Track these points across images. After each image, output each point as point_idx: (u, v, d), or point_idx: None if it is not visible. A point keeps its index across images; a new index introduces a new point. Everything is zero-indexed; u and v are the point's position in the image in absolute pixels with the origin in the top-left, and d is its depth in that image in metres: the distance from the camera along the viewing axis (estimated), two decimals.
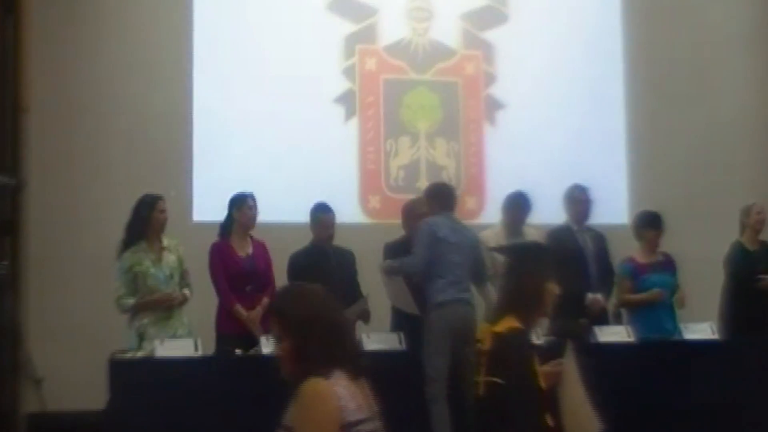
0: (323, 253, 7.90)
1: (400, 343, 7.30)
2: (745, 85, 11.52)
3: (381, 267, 7.63)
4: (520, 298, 4.43)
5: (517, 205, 8.26)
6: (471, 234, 7.61)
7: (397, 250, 7.81)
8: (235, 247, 7.68)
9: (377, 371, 6.59)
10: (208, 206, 8.20)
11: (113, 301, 7.29)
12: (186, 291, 7.47)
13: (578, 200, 8.38)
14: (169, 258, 7.45)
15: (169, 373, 6.60)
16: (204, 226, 8.04)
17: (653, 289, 8.09)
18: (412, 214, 8.01)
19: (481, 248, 7.51)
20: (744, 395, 7.38)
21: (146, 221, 7.40)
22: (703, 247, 8.74)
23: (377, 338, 7.25)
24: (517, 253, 5.06)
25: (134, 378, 6.56)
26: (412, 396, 6.82)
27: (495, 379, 4.25)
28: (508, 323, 4.36)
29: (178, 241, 7.58)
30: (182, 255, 7.55)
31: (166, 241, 7.49)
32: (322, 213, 8.01)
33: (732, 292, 8.57)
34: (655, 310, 8.05)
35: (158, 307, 7.31)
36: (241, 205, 7.71)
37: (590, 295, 8.06)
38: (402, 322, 7.72)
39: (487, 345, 4.41)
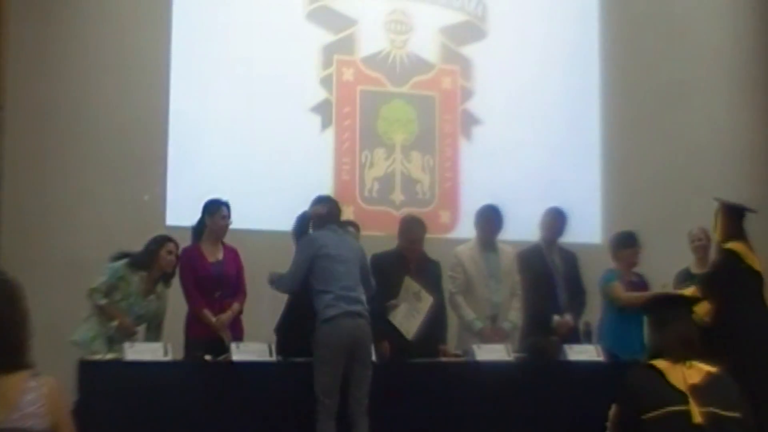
0: None
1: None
2: (720, 106, 11.61)
3: (268, 279, 7.34)
4: None
5: (488, 219, 8.22)
6: (356, 244, 7.38)
7: (384, 261, 7.74)
8: (206, 252, 7.65)
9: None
10: (182, 211, 8.16)
11: (87, 290, 7.32)
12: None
13: (551, 223, 8.42)
14: (153, 305, 7.53)
15: (138, 376, 6.56)
16: (177, 230, 7.99)
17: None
18: (404, 233, 7.93)
19: (365, 257, 7.31)
20: None
21: (153, 255, 7.50)
22: (675, 267, 8.72)
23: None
24: None
25: (103, 380, 6.53)
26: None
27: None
28: None
29: (167, 293, 7.64)
30: (165, 306, 7.61)
31: (159, 288, 7.57)
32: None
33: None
34: (628, 328, 8.05)
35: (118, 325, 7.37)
36: (215, 212, 7.68)
37: (557, 318, 8.09)
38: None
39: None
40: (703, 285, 7.81)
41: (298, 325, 7.25)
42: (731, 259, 7.70)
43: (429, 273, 7.93)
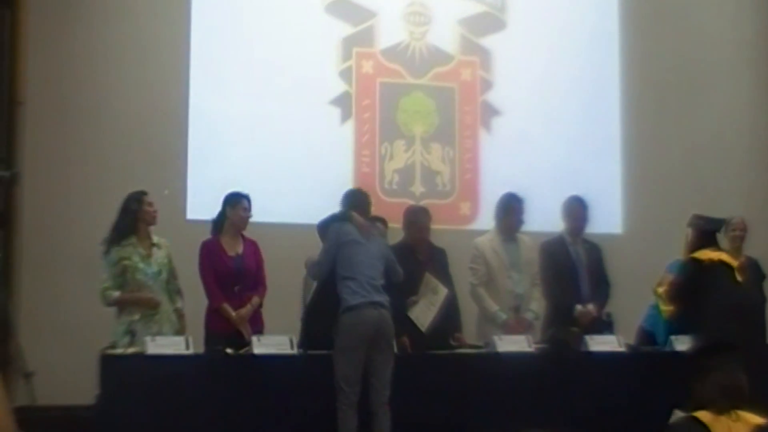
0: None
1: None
2: (740, 96, 11.55)
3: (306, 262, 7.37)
4: None
5: (509, 207, 8.20)
6: (381, 240, 7.41)
7: (397, 252, 7.70)
8: (225, 245, 7.62)
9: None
10: (202, 205, 8.19)
11: (98, 293, 7.28)
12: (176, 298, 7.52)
13: (575, 212, 8.37)
14: (159, 254, 7.45)
15: (160, 370, 6.58)
16: (197, 224, 8.02)
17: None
18: (412, 224, 7.97)
19: (391, 254, 7.33)
20: None
21: (135, 216, 7.41)
22: None
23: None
24: None
25: (125, 374, 6.54)
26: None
27: None
28: None
29: (166, 240, 7.57)
30: (171, 253, 7.54)
31: (156, 239, 7.49)
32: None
33: None
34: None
35: (141, 304, 7.32)
36: (236, 204, 7.67)
37: (579, 307, 8.06)
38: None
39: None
40: (670, 293, 7.87)
41: (324, 315, 7.21)
42: (694, 267, 7.62)
43: (438, 262, 7.96)
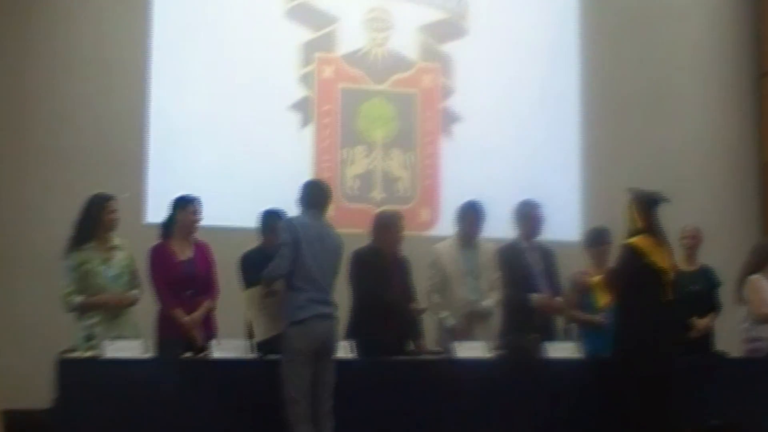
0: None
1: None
2: (699, 107, 11.70)
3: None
4: None
5: (470, 215, 8.22)
6: (337, 239, 7.06)
7: (366, 257, 7.75)
8: (175, 250, 7.53)
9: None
10: (161, 209, 8.10)
11: (60, 299, 7.18)
12: (135, 291, 7.39)
13: (529, 216, 8.39)
14: (119, 257, 7.37)
15: (118, 373, 6.52)
16: (155, 228, 7.95)
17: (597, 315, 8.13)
18: (388, 227, 7.92)
19: (342, 255, 7.11)
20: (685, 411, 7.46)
21: (96, 221, 7.32)
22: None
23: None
24: None
25: (82, 377, 6.47)
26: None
27: None
28: None
29: (128, 241, 7.50)
30: (132, 254, 7.47)
31: (116, 241, 7.41)
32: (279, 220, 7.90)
33: None
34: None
35: (106, 307, 7.24)
36: (185, 207, 7.58)
37: (535, 296, 8.09)
38: None
39: None
40: (606, 281, 7.78)
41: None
42: (630, 255, 7.56)
43: (402, 270, 7.97)
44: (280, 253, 6.77)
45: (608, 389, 7.23)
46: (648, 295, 7.36)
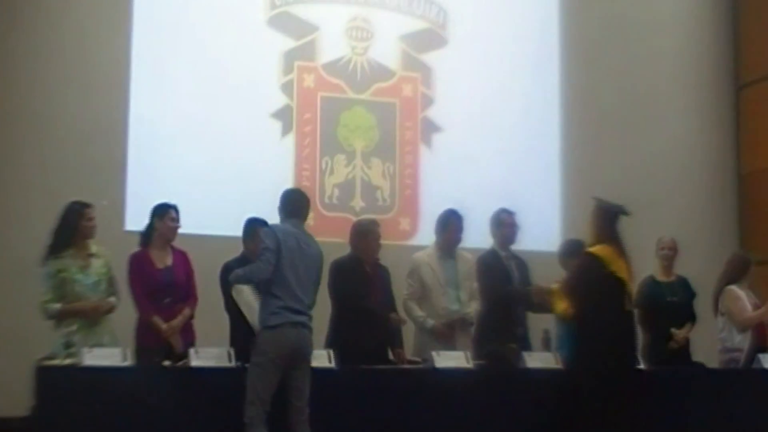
0: None
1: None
2: (679, 116, 11.79)
3: (231, 278, 7.09)
4: None
5: (449, 223, 8.24)
6: (317, 248, 7.01)
7: (345, 267, 7.76)
8: (154, 258, 7.53)
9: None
10: (141, 216, 8.10)
11: (38, 306, 7.14)
12: (113, 299, 7.37)
13: (504, 224, 8.42)
14: (97, 264, 7.34)
15: (96, 381, 6.49)
16: (135, 235, 7.94)
17: None
18: (365, 234, 7.94)
19: (322, 266, 7.06)
20: (663, 422, 7.52)
21: (74, 229, 7.29)
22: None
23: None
24: None
25: (60, 385, 6.44)
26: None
27: None
28: None
29: (106, 249, 7.47)
30: (110, 261, 7.45)
31: (94, 248, 7.38)
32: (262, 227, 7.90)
33: (642, 324, 8.65)
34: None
35: (84, 314, 7.21)
36: (164, 215, 7.59)
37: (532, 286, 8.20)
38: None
39: None
40: (565, 288, 7.76)
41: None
42: (591, 264, 7.56)
43: (382, 279, 7.98)
44: (263, 258, 6.74)
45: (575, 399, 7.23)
46: (609, 303, 7.35)
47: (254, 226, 7.73)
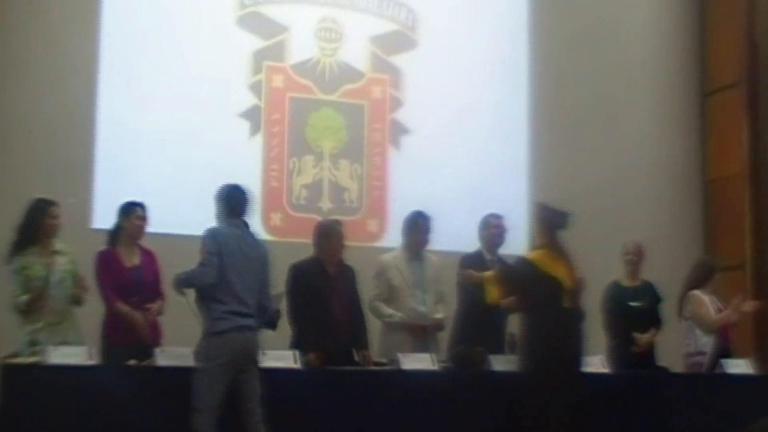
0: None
1: (295, 361, 7.06)
2: (645, 126, 11.83)
3: (172, 281, 6.95)
4: None
5: (416, 225, 8.23)
6: (261, 248, 6.93)
7: (305, 270, 7.73)
8: (122, 256, 7.51)
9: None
10: (109, 214, 8.06)
11: (10, 304, 7.11)
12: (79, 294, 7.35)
13: (491, 226, 8.41)
14: (61, 262, 7.32)
15: (61, 380, 6.46)
16: (102, 233, 7.90)
17: None
18: (329, 234, 7.89)
19: (270, 264, 6.94)
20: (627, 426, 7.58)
21: (38, 226, 7.27)
22: (599, 280, 8.77)
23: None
24: None
25: (25, 383, 6.40)
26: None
27: None
28: None
29: (69, 246, 7.44)
30: (75, 259, 7.42)
31: (58, 245, 7.36)
32: None
33: (607, 328, 8.71)
34: None
35: (51, 310, 7.17)
36: (130, 214, 7.56)
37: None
38: None
39: None
40: (497, 277, 7.70)
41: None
42: (525, 267, 7.56)
43: (346, 278, 7.91)
44: (207, 262, 6.64)
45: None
46: (545, 302, 7.35)
47: None
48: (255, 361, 6.71)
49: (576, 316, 7.54)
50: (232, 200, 6.91)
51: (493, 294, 7.62)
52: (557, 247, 7.56)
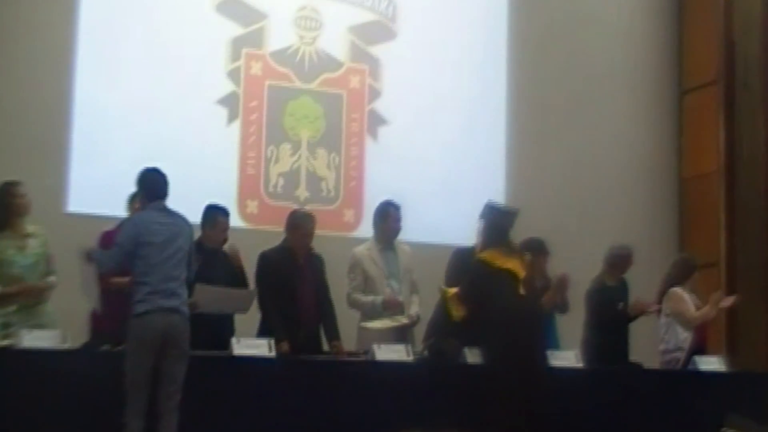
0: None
1: (270, 350, 7.03)
2: (622, 122, 11.86)
3: (86, 252, 6.83)
4: None
5: (386, 214, 8.24)
6: (183, 229, 6.83)
7: (274, 258, 7.74)
8: None
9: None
10: (84, 199, 8.05)
11: None
12: (52, 278, 7.33)
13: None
14: (34, 244, 7.28)
15: (34, 363, 6.43)
16: (76, 217, 7.87)
17: None
18: (297, 228, 7.88)
19: (191, 241, 6.91)
20: (602, 420, 7.58)
21: (6, 208, 7.24)
22: (576, 274, 8.73)
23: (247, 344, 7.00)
24: None
25: None
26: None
27: None
28: None
29: (41, 227, 7.40)
30: (47, 241, 7.38)
31: (30, 228, 7.32)
32: (222, 216, 7.88)
33: (592, 324, 8.73)
34: None
35: (24, 296, 7.15)
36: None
37: None
38: None
39: None
40: (460, 294, 7.66)
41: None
42: (477, 267, 7.57)
43: (315, 267, 7.91)
44: (110, 252, 6.75)
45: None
46: (501, 292, 7.34)
47: (214, 213, 7.75)
48: (179, 346, 6.59)
49: (533, 302, 7.61)
50: (152, 183, 6.94)
51: (458, 312, 7.63)
52: (507, 245, 7.59)
